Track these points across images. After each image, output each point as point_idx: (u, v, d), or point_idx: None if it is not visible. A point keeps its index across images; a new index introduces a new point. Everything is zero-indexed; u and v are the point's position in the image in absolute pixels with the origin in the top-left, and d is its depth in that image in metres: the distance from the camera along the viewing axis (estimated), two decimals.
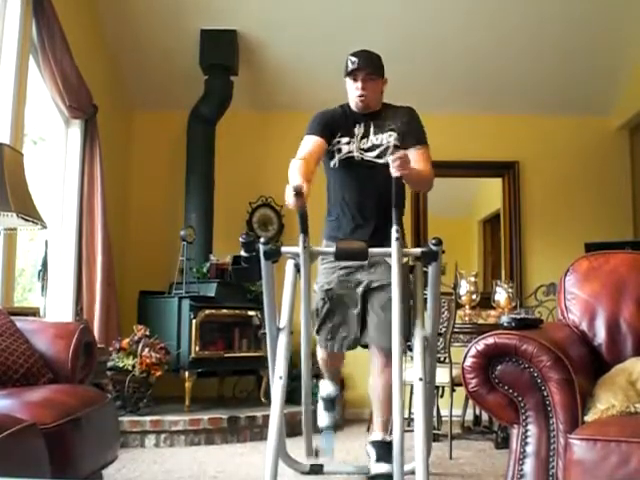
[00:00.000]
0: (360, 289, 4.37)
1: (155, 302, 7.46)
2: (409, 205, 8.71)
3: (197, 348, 7.05)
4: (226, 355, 7.42)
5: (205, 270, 7.62)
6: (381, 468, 4.06)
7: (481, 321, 7.08)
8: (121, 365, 6.43)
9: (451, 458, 5.93)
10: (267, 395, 6.82)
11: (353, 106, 4.53)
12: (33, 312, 5.42)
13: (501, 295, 7.28)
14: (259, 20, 7.93)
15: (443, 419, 6.84)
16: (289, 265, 3.89)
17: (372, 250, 3.73)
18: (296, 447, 4.16)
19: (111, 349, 6.54)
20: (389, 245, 3.79)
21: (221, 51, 8.04)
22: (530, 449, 2.92)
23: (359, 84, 4.41)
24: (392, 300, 3.60)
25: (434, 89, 8.43)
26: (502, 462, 3.19)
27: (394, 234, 3.66)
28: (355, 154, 4.42)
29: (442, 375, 6.14)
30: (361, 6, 7.66)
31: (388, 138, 4.43)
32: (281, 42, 8.13)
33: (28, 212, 4.58)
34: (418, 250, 3.75)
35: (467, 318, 7.11)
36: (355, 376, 7.78)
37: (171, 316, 7.15)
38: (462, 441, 6.65)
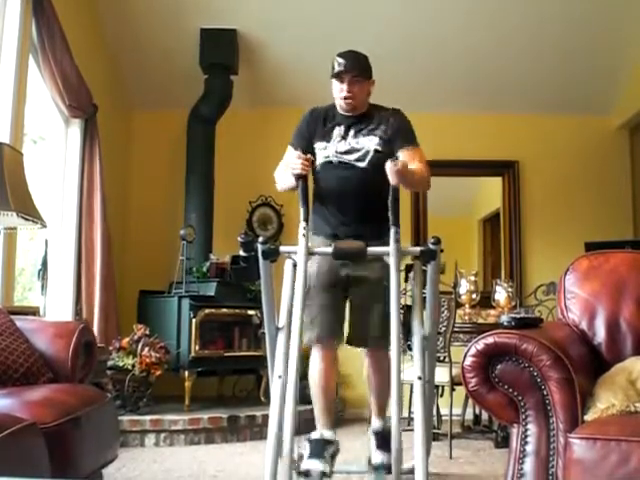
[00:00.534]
0: (344, 283, 4.36)
1: (155, 301, 7.46)
2: (408, 204, 8.72)
3: (197, 347, 7.06)
4: (226, 354, 7.42)
5: (205, 269, 7.62)
6: (380, 457, 4.18)
7: (481, 320, 7.08)
8: (121, 364, 6.43)
9: (451, 457, 5.94)
10: (267, 394, 6.82)
11: (338, 107, 4.51)
12: (33, 311, 5.42)
13: (501, 294, 7.28)
14: (259, 19, 7.93)
15: (443, 418, 6.84)
16: (288, 264, 3.89)
17: (370, 249, 3.73)
18: (296, 446, 4.15)
19: (111, 348, 6.54)
20: (376, 239, 3.85)
21: (221, 50, 8.04)
22: (530, 448, 2.92)
23: (345, 86, 4.37)
24: (391, 302, 3.59)
25: (434, 89, 8.44)
26: (502, 461, 3.19)
27: (393, 235, 3.66)
28: (332, 158, 4.40)
29: (442, 374, 6.15)
30: (361, 6, 7.66)
31: (369, 143, 4.39)
32: (281, 41, 8.13)
33: (28, 211, 4.58)
34: (417, 249, 3.75)
35: (467, 317, 7.11)
36: (354, 375, 7.77)
37: (171, 315, 7.16)
38: (462, 440, 6.66)
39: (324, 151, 4.41)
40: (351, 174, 4.37)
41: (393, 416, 3.40)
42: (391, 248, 3.64)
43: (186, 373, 6.95)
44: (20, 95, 5.71)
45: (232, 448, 6.32)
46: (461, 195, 9.37)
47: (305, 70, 8.17)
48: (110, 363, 6.46)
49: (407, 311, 4.13)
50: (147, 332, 6.64)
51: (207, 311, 7.21)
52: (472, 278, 7.30)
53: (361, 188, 4.34)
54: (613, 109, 8.88)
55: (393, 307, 3.56)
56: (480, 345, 3.01)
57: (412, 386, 3.85)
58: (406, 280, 4.18)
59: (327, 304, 4.34)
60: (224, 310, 7.47)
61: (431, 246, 3.61)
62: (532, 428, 2.94)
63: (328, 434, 4.28)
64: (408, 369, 4.57)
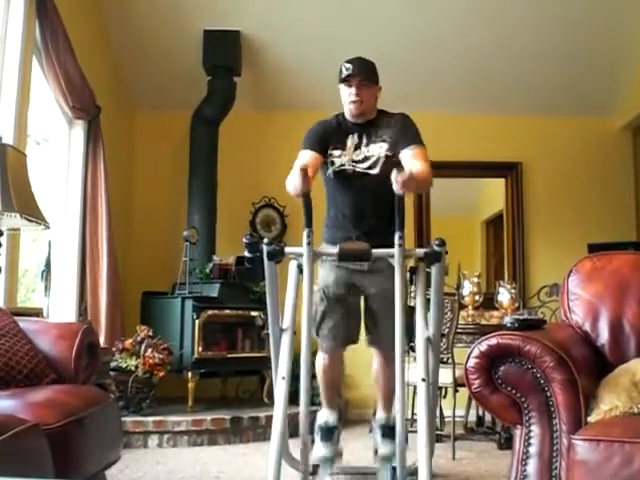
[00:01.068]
0: (358, 293, 4.46)
1: (158, 302, 7.47)
2: (412, 206, 8.72)
3: (200, 348, 7.07)
4: (229, 355, 7.43)
5: (208, 270, 7.62)
6: (387, 448, 4.37)
7: (484, 322, 7.09)
8: (124, 365, 6.43)
9: (454, 459, 5.94)
10: (270, 395, 6.83)
11: (347, 113, 4.51)
12: (36, 312, 5.43)
13: (504, 296, 7.29)
14: (262, 21, 7.94)
15: (446, 420, 6.84)
16: (292, 266, 3.89)
17: (375, 251, 3.73)
18: (299, 447, 4.15)
19: (114, 349, 6.55)
20: (388, 247, 3.82)
21: (224, 52, 8.05)
22: (533, 450, 2.92)
23: (353, 90, 4.38)
24: (395, 304, 3.60)
25: (436, 90, 8.44)
26: (505, 463, 3.18)
27: (397, 240, 3.66)
28: (347, 167, 4.41)
29: (445, 376, 6.15)
30: (363, 7, 7.66)
31: (379, 149, 4.41)
32: (284, 43, 8.14)
33: (31, 212, 4.59)
34: (421, 251, 3.74)
35: (470, 319, 7.11)
36: (357, 376, 7.77)
37: (174, 316, 7.16)
38: (465, 442, 6.65)
39: (339, 159, 4.42)
40: (365, 182, 4.40)
41: (398, 408, 3.41)
42: (396, 250, 3.64)
43: (189, 374, 6.95)
44: (23, 96, 5.71)
45: (235, 449, 6.32)
46: (464, 196, 9.37)
47: (308, 72, 8.18)
48: (113, 364, 6.46)
49: (411, 313, 4.14)
50: (150, 333, 6.65)
51: (210, 312, 7.21)
52: (475, 279, 7.31)
53: (374, 195, 4.38)
54: (616, 110, 8.88)
55: (397, 309, 3.56)
56: (483, 346, 3.01)
57: (416, 388, 3.83)
58: (411, 282, 4.18)
59: (346, 314, 4.43)
60: (227, 311, 7.48)
61: (436, 248, 3.60)
62: (535, 429, 2.94)
63: (332, 419, 4.59)
64: (412, 370, 4.57)
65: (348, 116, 4.52)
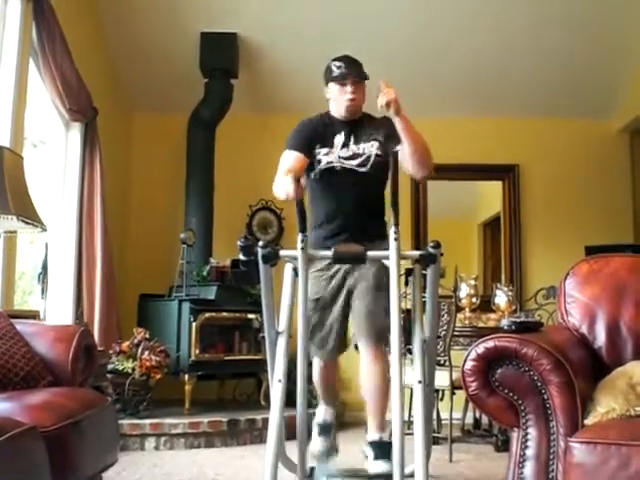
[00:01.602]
0: (344, 290, 4.44)
1: (155, 305, 7.47)
2: (409, 207, 8.72)
3: (197, 351, 7.07)
4: (226, 358, 7.42)
5: (205, 273, 7.63)
6: (380, 467, 4.08)
7: (481, 324, 7.09)
8: (121, 368, 6.43)
9: (451, 461, 5.94)
10: (267, 398, 6.79)
11: (338, 111, 4.54)
12: (33, 315, 5.42)
13: (501, 298, 7.29)
14: (259, 23, 7.94)
15: (443, 422, 6.84)
16: (287, 269, 3.89)
17: (370, 253, 3.73)
18: (296, 450, 4.15)
19: (111, 352, 6.54)
20: (378, 247, 3.85)
21: (221, 54, 8.05)
22: (530, 452, 2.92)
23: (348, 88, 4.42)
24: (391, 303, 3.59)
25: (434, 93, 8.44)
26: (502, 465, 3.18)
27: (392, 235, 3.65)
28: (335, 164, 4.44)
29: (442, 378, 6.15)
30: (361, 9, 7.67)
31: (370, 148, 4.45)
32: (281, 45, 8.14)
33: (28, 215, 4.58)
34: (416, 253, 3.75)
35: (467, 321, 7.11)
36: (354, 378, 7.75)
37: (171, 319, 7.16)
38: (462, 444, 6.66)
39: (326, 157, 4.44)
40: (353, 179, 4.43)
41: (395, 423, 3.40)
42: (391, 251, 3.64)
43: (186, 377, 6.95)
44: (20, 98, 5.71)
45: (232, 452, 6.32)
46: (461, 199, 9.38)
47: (305, 74, 8.14)
48: (110, 367, 6.46)
49: (407, 315, 4.14)
50: (147, 336, 6.65)
51: (207, 315, 7.21)
52: (472, 282, 7.31)
53: (363, 193, 4.43)
54: (613, 113, 8.89)
55: (393, 311, 3.56)
56: (480, 349, 3.01)
57: (412, 390, 3.83)
58: (406, 284, 4.18)
59: (337, 318, 4.44)
60: (224, 314, 7.48)
61: (431, 250, 3.61)
62: (532, 432, 2.94)
63: (329, 417, 4.71)
64: (408, 373, 4.57)
65: (337, 115, 4.55)
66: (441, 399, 6.73)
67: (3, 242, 5.28)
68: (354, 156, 4.44)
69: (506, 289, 7.37)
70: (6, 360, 3.74)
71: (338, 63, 4.43)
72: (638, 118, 8.48)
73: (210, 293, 7.45)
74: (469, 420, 7.38)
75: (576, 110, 8.80)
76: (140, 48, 8.07)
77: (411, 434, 3.49)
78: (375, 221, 4.37)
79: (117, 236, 7.80)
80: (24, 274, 6.72)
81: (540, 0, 7.60)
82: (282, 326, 3.76)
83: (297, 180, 3.69)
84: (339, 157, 4.44)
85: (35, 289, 6.23)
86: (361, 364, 4.41)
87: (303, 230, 3.71)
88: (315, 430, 4.66)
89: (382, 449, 4.14)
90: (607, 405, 2.92)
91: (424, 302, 3.92)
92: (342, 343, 4.52)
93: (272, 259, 3.68)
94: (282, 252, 3.74)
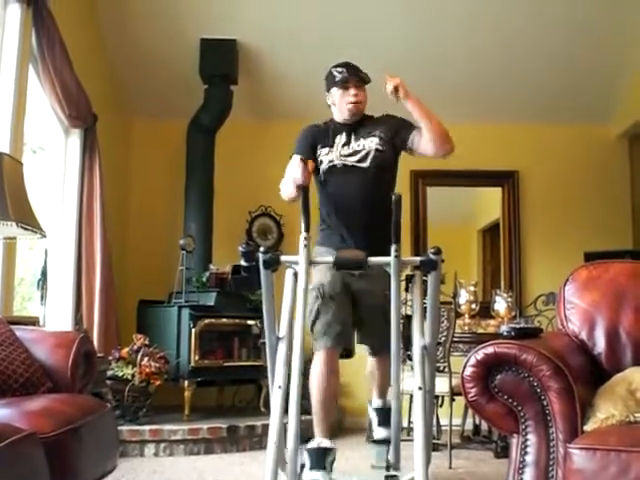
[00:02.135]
0: (350, 291, 4.48)
1: (154, 311, 7.46)
2: (409, 214, 8.73)
3: (196, 357, 7.06)
4: (225, 364, 7.42)
5: (205, 279, 7.62)
6: (382, 433, 4.57)
7: (480, 330, 7.09)
8: (120, 374, 6.42)
9: (450, 467, 5.93)
10: (267, 404, 6.80)
11: (345, 115, 4.63)
12: (32, 321, 5.41)
13: (500, 304, 7.28)
14: (259, 29, 7.95)
15: (443, 428, 6.84)
16: (288, 274, 3.89)
17: (371, 259, 3.74)
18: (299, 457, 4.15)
19: (110, 358, 6.53)
20: (382, 247, 3.84)
21: (221, 60, 8.05)
22: (530, 458, 2.91)
23: (352, 91, 4.54)
24: (391, 311, 3.61)
25: (434, 97, 8.36)
26: (502, 471, 3.18)
27: (393, 252, 3.66)
28: (336, 162, 4.51)
29: (442, 384, 6.14)
30: (361, 14, 7.68)
31: (370, 143, 4.54)
32: (281, 51, 8.15)
33: (27, 221, 4.58)
34: (417, 259, 3.75)
35: (466, 327, 7.11)
36: (354, 385, 7.76)
37: (170, 325, 7.16)
38: (462, 450, 6.65)
39: (327, 156, 4.54)
40: (355, 175, 4.50)
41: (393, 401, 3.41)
42: (392, 259, 3.65)
43: (186, 383, 6.95)
44: (20, 105, 5.71)
45: (232, 458, 6.31)
46: (461, 205, 9.38)
47: (305, 80, 8.17)
48: (110, 373, 6.45)
49: (407, 321, 4.15)
50: (147, 342, 6.64)
51: (207, 321, 7.21)
52: (472, 288, 7.31)
53: (365, 189, 4.49)
54: (613, 118, 8.89)
55: (393, 317, 3.56)
56: (480, 355, 3.01)
57: (412, 396, 3.84)
58: (407, 290, 4.18)
59: (340, 311, 4.43)
60: (224, 320, 7.47)
61: (432, 256, 3.61)
62: (532, 438, 2.94)
63: (326, 443, 4.18)
64: (408, 379, 4.57)
65: (340, 120, 4.63)
66: (441, 405, 6.72)
67: (2, 248, 5.28)
68: (354, 153, 4.53)
69: (505, 295, 7.37)
70: (5, 366, 3.74)
71: (340, 69, 4.53)
72: (637, 123, 8.48)
73: (210, 299, 7.44)
74: (469, 426, 7.37)
75: (575, 116, 8.81)
76: (140, 54, 8.07)
77: (411, 440, 3.48)
78: (379, 219, 4.37)
79: (116, 242, 7.80)
80: (23, 280, 6.72)
81: (540, 5, 7.60)
82: (283, 332, 3.75)
83: (305, 164, 3.73)
84: (340, 155, 4.52)
85: (34, 295, 6.22)
86: (368, 362, 4.79)
87: (307, 229, 3.73)
88: (307, 460, 4.09)
89: (384, 416, 4.54)
90: (606, 411, 2.92)
91: (425, 308, 3.92)
92: (344, 336, 4.45)
93: (273, 265, 3.69)
94: (283, 258, 3.75)
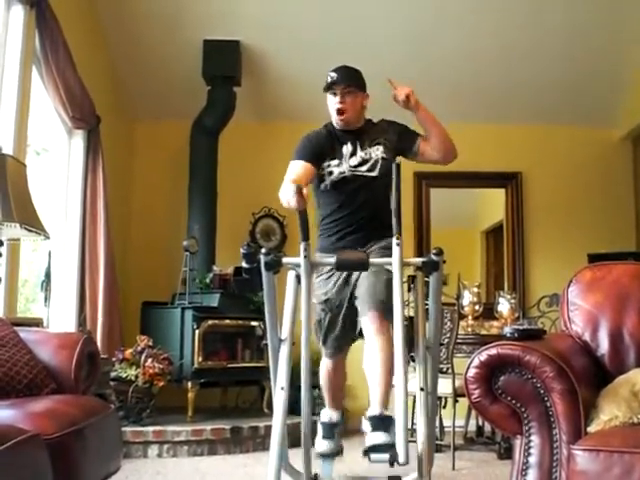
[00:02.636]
0: (350, 285, 4.43)
1: (158, 312, 7.46)
2: (412, 215, 8.73)
3: (200, 358, 7.06)
4: (229, 365, 7.42)
5: (208, 281, 7.62)
6: (378, 438, 3.87)
7: (484, 332, 7.09)
8: (124, 375, 6.42)
9: (454, 469, 5.93)
10: (270, 405, 6.82)
11: (334, 123, 4.61)
12: (36, 322, 5.43)
13: (504, 306, 7.29)
14: (262, 31, 7.95)
15: (446, 430, 6.84)
16: (290, 276, 3.89)
17: (373, 260, 3.74)
18: (299, 458, 4.14)
19: (114, 359, 6.54)
20: (382, 237, 3.96)
21: (224, 62, 8.05)
22: (533, 460, 2.92)
23: (338, 98, 4.49)
24: (394, 308, 3.59)
25: (436, 99, 8.37)
26: (505, 473, 3.19)
27: (395, 241, 3.66)
28: (347, 173, 4.49)
29: (445, 386, 6.13)
30: (364, 17, 7.67)
31: (376, 152, 4.51)
32: (284, 53, 8.15)
33: (31, 223, 4.58)
34: (419, 260, 3.75)
35: (470, 329, 7.11)
36: (356, 386, 7.75)
37: (174, 326, 7.16)
38: (465, 452, 6.64)
39: (338, 168, 4.49)
40: (364, 184, 4.49)
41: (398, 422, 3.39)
42: (394, 254, 3.64)
43: (189, 384, 6.95)
44: (23, 106, 5.71)
45: (235, 459, 6.32)
46: (464, 207, 9.38)
47: (309, 82, 8.11)
48: (113, 374, 6.45)
49: (410, 322, 4.14)
50: (150, 343, 6.64)
51: (210, 322, 7.21)
52: (475, 289, 7.31)
53: (373, 196, 4.48)
54: (616, 120, 8.88)
55: (397, 318, 3.55)
56: (483, 356, 3.01)
57: (415, 397, 3.81)
58: (409, 291, 4.18)
59: (344, 324, 4.44)
60: (227, 321, 7.48)
61: (433, 257, 3.60)
62: (535, 439, 2.94)
63: (336, 416, 4.67)
64: (411, 380, 4.57)
65: (334, 124, 4.58)
66: (444, 407, 6.71)
67: (6, 250, 5.27)
68: (363, 162, 4.50)
69: (509, 297, 7.37)
70: (9, 367, 3.75)
71: (332, 73, 4.50)
72: None
73: (213, 300, 7.45)
74: (472, 428, 7.36)
75: (578, 118, 8.80)
76: (143, 56, 8.08)
77: (414, 441, 3.48)
78: (387, 225, 4.36)
79: (120, 243, 7.80)
80: (27, 282, 6.73)
81: (542, 8, 7.60)
82: (285, 333, 3.75)
83: (300, 191, 3.69)
84: (350, 166, 4.48)
85: (38, 297, 6.24)
86: (365, 341, 4.29)
87: (306, 239, 3.71)
88: (320, 431, 4.64)
89: (381, 422, 3.98)
90: (610, 413, 2.92)
91: (427, 309, 3.92)
92: (351, 340, 4.53)
93: (275, 266, 3.68)
94: (285, 259, 3.74)
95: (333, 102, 4.51)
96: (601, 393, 3.11)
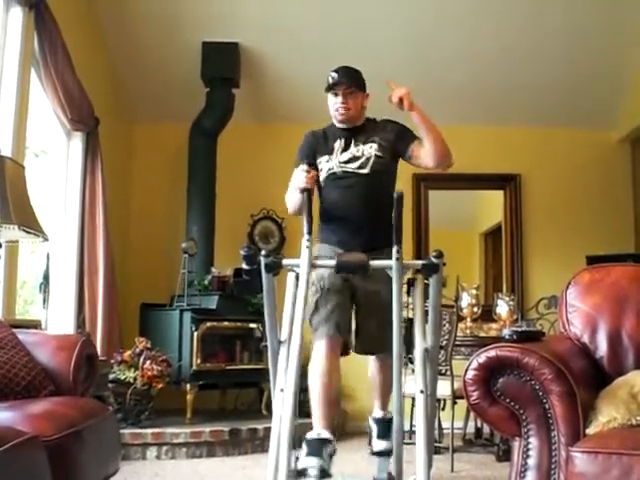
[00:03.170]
0: (351, 288, 4.44)
1: (157, 314, 7.46)
2: (410, 217, 8.74)
3: (199, 360, 7.07)
4: (228, 367, 7.42)
5: (206, 282, 7.62)
6: (382, 445, 4.42)
7: (482, 334, 7.09)
8: (123, 377, 6.42)
9: (452, 471, 5.93)
10: (269, 407, 6.82)
11: (335, 121, 4.64)
12: (35, 324, 5.43)
13: (502, 308, 7.29)
14: (261, 33, 7.95)
15: (444, 432, 6.84)
16: (290, 277, 3.89)
17: (373, 263, 3.74)
18: (293, 458, 4.14)
19: (113, 361, 6.54)
20: (382, 247, 3.94)
21: (223, 63, 8.05)
22: (532, 462, 2.92)
23: (339, 98, 4.52)
24: (393, 314, 3.60)
25: (435, 100, 8.38)
26: (503, 475, 3.19)
27: (395, 254, 3.66)
28: (336, 169, 4.51)
29: (444, 388, 6.13)
30: (364, 18, 7.67)
31: (369, 149, 4.53)
32: (283, 55, 8.15)
33: (30, 225, 4.59)
34: (419, 262, 3.75)
35: (468, 331, 7.11)
36: (354, 387, 7.76)
37: (173, 328, 7.16)
38: (463, 454, 6.65)
39: (327, 164, 4.53)
40: (354, 182, 4.49)
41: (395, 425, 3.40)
42: (393, 267, 3.64)
43: (188, 386, 6.95)
44: (22, 108, 5.72)
45: (234, 461, 6.31)
46: (462, 209, 9.39)
47: (307, 83, 8.15)
48: (112, 376, 6.45)
49: (409, 324, 4.14)
50: (149, 345, 6.64)
51: (209, 324, 7.21)
52: (473, 291, 7.31)
53: (365, 194, 4.48)
54: (615, 122, 8.88)
55: (395, 321, 3.56)
56: (482, 358, 3.01)
57: (414, 399, 3.82)
58: (408, 293, 4.18)
59: (340, 304, 4.39)
60: (226, 323, 7.48)
61: (433, 259, 3.60)
62: (534, 441, 2.94)
63: (325, 434, 4.06)
64: (409, 382, 4.58)
65: (335, 123, 4.65)
66: (443, 408, 6.72)
67: (5, 251, 5.27)
68: (353, 159, 4.51)
69: (507, 298, 7.37)
70: (8, 369, 3.75)
71: (333, 73, 4.53)
72: (639, 127, 8.48)
73: (212, 302, 7.45)
74: (470, 429, 7.36)
75: (577, 119, 8.80)
76: (142, 57, 8.08)
77: (413, 443, 3.48)
78: (381, 224, 4.36)
79: (119, 245, 7.80)
80: (26, 283, 6.73)
81: (541, 10, 7.60)
82: (284, 335, 3.75)
83: (309, 170, 3.72)
84: (339, 162, 4.50)
85: (37, 298, 6.23)
86: (369, 370, 4.68)
87: (310, 231, 3.73)
88: (304, 448, 4.01)
89: (384, 427, 4.46)
90: (608, 414, 2.92)
91: (426, 312, 3.92)
92: (343, 327, 4.39)
93: (275, 268, 3.68)
94: (285, 261, 3.74)
95: (334, 102, 4.54)
96: (600, 395, 3.11)
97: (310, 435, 4.08)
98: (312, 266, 3.81)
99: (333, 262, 3.77)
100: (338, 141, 4.57)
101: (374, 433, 4.71)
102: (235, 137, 8.51)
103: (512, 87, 8.46)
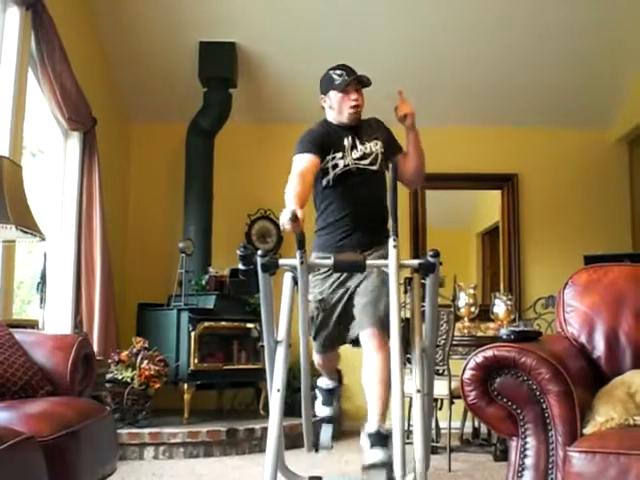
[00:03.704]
0: (346, 288, 4.42)
1: (154, 314, 7.46)
2: (408, 217, 8.73)
3: (196, 360, 7.06)
4: (225, 367, 7.42)
5: (204, 282, 7.62)
6: (376, 456, 3.89)
7: (480, 333, 7.08)
8: (120, 377, 6.42)
9: (450, 470, 5.93)
10: (266, 407, 6.80)
11: (344, 118, 4.59)
12: (32, 324, 5.42)
13: (500, 307, 7.28)
14: (258, 33, 7.95)
15: (442, 431, 6.84)
16: (287, 278, 3.88)
17: (369, 262, 3.74)
18: (295, 460, 4.14)
19: (110, 361, 6.54)
20: (383, 240, 3.94)
21: (220, 63, 8.05)
22: (529, 462, 2.91)
23: (353, 95, 4.51)
24: (390, 310, 3.59)
25: (433, 101, 8.43)
26: (501, 475, 3.19)
27: (392, 242, 3.66)
28: (352, 166, 4.49)
29: (441, 387, 6.13)
30: (362, 18, 7.67)
31: (375, 146, 4.55)
32: (280, 55, 8.15)
33: (27, 224, 4.58)
34: (416, 262, 3.74)
35: (466, 330, 7.10)
36: (352, 387, 7.75)
37: (170, 328, 7.16)
38: (461, 453, 6.63)
39: (342, 160, 4.50)
40: (367, 178, 4.52)
41: (395, 429, 3.39)
42: (390, 256, 3.64)
43: (185, 386, 6.95)
44: (19, 108, 5.71)
45: (231, 461, 6.31)
46: (460, 208, 9.39)
47: (305, 83, 8.12)
48: (109, 376, 6.45)
49: (406, 324, 4.13)
50: (146, 345, 6.64)
51: (206, 324, 7.21)
52: (471, 291, 7.30)
53: (376, 190, 4.53)
54: (612, 122, 8.89)
55: (393, 320, 3.55)
56: (479, 358, 3.01)
57: (411, 399, 3.81)
58: (405, 293, 4.18)
59: (337, 324, 4.42)
60: (223, 323, 7.48)
61: (430, 259, 3.60)
62: (531, 441, 2.94)
63: (332, 384, 4.87)
64: (407, 382, 4.57)
65: (337, 122, 4.61)
66: (440, 408, 6.72)
67: (2, 251, 5.28)
68: (364, 156, 4.52)
69: (505, 298, 7.36)
70: (5, 369, 3.74)
71: (339, 71, 4.51)
72: (636, 128, 8.49)
73: (209, 302, 7.45)
74: (468, 429, 7.35)
75: (575, 119, 8.81)
76: (139, 57, 8.07)
77: (410, 443, 3.48)
78: (382, 216, 4.39)
79: (116, 245, 7.79)
80: (23, 283, 6.72)
81: (539, 11, 7.60)
82: (281, 335, 3.75)
83: (295, 217, 3.66)
84: (353, 159, 4.50)
85: (34, 298, 6.23)
86: (364, 356, 4.30)
87: (301, 248, 3.70)
88: (319, 396, 4.85)
89: (379, 438, 3.99)
90: (606, 414, 2.92)
91: (423, 311, 3.92)
92: (343, 340, 4.48)
93: (272, 268, 3.67)
94: (282, 261, 3.72)
95: (347, 99, 4.53)
96: (597, 395, 3.11)
97: (320, 384, 4.89)
98: (308, 267, 3.80)
99: (330, 261, 3.76)
100: (345, 139, 4.55)
101: (366, 446, 4.02)
102: (232, 137, 8.51)
103: (509, 88, 8.46)
